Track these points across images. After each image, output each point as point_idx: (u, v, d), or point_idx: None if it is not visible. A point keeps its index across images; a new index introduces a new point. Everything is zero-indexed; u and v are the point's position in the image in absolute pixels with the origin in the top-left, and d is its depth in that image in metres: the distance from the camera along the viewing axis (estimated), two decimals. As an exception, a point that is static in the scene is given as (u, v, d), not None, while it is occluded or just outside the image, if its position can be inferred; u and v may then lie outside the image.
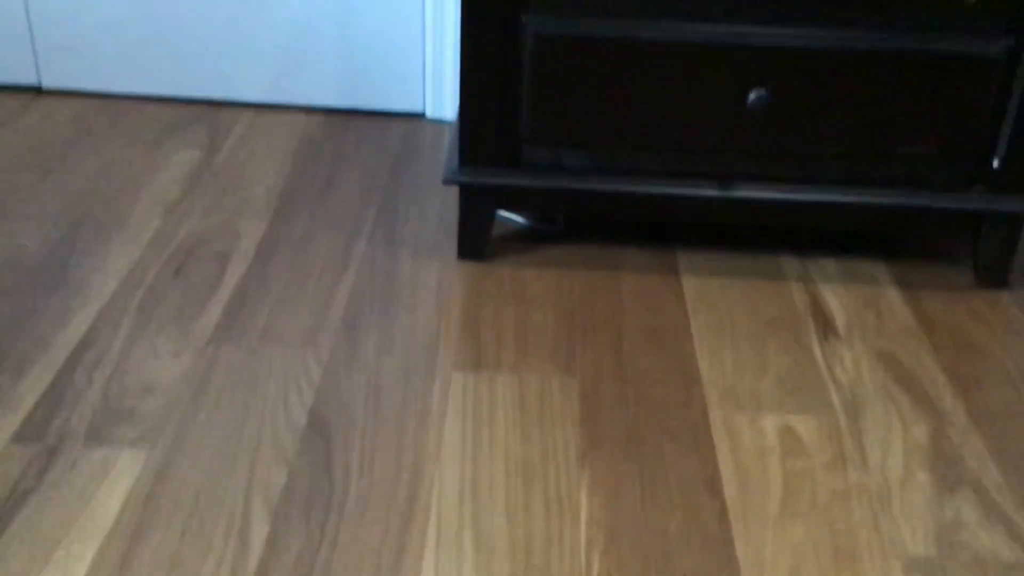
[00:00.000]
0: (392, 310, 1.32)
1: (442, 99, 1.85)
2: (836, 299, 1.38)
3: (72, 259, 1.40)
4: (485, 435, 1.12)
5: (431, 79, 1.84)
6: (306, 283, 1.37)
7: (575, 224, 1.53)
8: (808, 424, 1.15)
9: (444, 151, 1.75)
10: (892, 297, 1.39)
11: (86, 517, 0.99)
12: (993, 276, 1.41)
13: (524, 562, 0.96)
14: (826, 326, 1.32)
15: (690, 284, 1.40)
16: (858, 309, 1.36)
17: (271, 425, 1.12)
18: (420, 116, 1.88)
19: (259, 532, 0.98)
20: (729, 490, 1.05)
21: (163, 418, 1.12)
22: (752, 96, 1.31)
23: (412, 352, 1.24)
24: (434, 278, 1.39)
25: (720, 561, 0.97)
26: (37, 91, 1.90)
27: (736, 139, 1.35)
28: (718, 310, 1.35)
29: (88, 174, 1.62)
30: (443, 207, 1.57)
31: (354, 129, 1.82)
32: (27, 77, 1.89)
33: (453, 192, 1.61)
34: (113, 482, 1.03)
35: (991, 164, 1.35)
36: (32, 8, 1.83)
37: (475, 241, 1.43)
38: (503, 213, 1.55)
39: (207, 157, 1.69)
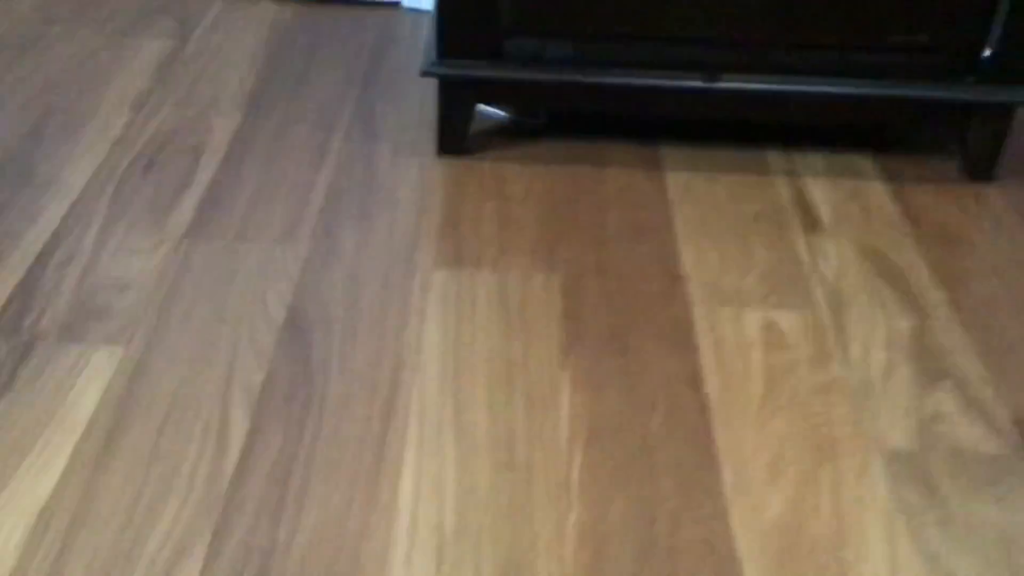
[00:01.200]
0: (371, 206, 1.29)
1: (420, -12, 1.79)
2: (822, 193, 1.36)
3: (39, 154, 1.36)
4: (466, 332, 1.11)
5: (408, -33, 1.78)
6: (282, 179, 1.34)
7: (557, 118, 1.50)
8: (791, 319, 1.14)
9: (423, 42, 1.70)
10: (879, 191, 1.37)
11: (62, 414, 0.98)
12: (981, 169, 1.40)
13: (506, 457, 0.96)
14: (811, 220, 1.31)
15: (674, 179, 1.37)
16: (844, 203, 1.34)
17: (249, 321, 1.10)
18: (396, 5, 1.82)
19: (239, 429, 0.97)
20: (711, 385, 1.05)
21: (138, 315, 1.10)
22: (741, -17, 1.27)
23: (392, 249, 1.22)
24: (414, 174, 1.36)
25: (700, 455, 0.97)
26: (-3, -21, 1.83)
27: (723, 28, 1.31)
28: (702, 205, 1.33)
29: (53, 66, 1.57)
30: (422, 101, 1.53)
31: (328, 19, 1.76)
32: (-14, -36, 1.81)
33: (432, 86, 1.56)
34: (89, 379, 1.02)
35: (982, 54, 1.32)
36: None
37: (455, 136, 1.39)
38: (484, 107, 1.51)
39: (177, 48, 1.64)
